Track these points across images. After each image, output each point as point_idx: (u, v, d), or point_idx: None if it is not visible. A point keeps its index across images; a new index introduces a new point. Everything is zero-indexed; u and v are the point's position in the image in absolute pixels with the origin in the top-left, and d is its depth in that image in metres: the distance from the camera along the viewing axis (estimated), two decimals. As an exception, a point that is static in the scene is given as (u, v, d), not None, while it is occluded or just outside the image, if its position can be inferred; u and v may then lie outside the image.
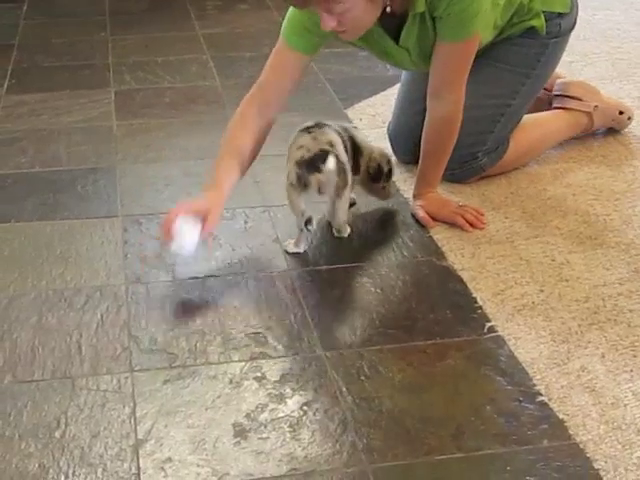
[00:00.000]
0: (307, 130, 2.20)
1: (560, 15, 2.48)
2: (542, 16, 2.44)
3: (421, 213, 2.35)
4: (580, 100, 2.71)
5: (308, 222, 2.18)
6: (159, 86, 3.26)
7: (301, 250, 2.21)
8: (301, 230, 2.20)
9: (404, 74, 2.69)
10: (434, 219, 2.33)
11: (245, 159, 2.23)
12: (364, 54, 3.44)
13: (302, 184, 2.12)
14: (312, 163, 2.12)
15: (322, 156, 2.11)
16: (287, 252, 2.21)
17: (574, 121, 2.71)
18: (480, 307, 2.00)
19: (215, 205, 2.12)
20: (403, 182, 2.53)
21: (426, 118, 2.34)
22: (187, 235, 2.03)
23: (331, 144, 2.16)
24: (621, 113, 2.79)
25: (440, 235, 2.28)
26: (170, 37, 3.77)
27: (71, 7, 4.18)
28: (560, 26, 2.49)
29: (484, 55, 2.48)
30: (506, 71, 2.49)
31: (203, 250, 2.19)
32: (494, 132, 2.49)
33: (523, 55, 2.48)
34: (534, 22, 2.43)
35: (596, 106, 2.71)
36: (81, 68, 3.43)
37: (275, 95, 2.28)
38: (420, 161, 2.39)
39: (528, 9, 2.41)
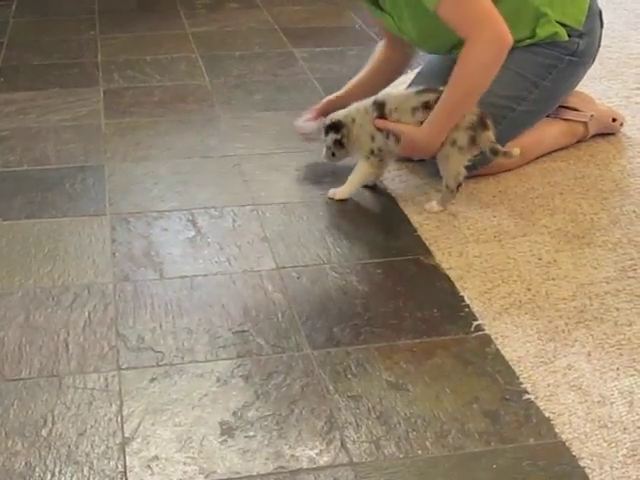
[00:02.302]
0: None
1: (581, 36, 2.53)
2: (556, 24, 2.49)
3: (398, 127, 2.38)
4: (577, 110, 2.71)
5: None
6: (148, 85, 3.25)
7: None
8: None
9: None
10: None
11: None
12: (353, 53, 3.45)
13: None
14: None
15: None
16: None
17: (570, 130, 2.71)
18: (467, 305, 2.01)
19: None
20: (391, 181, 2.54)
21: (458, 63, 2.32)
22: None
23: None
24: (614, 120, 2.78)
25: (428, 234, 2.28)
26: (159, 36, 3.77)
27: (60, 6, 4.18)
28: (578, 45, 2.54)
29: None
30: (516, 75, 2.51)
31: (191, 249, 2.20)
32: None
33: (537, 63, 2.52)
34: (551, 28, 2.48)
35: (592, 115, 2.71)
36: (70, 66, 3.43)
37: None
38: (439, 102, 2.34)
39: (541, 14, 2.47)
